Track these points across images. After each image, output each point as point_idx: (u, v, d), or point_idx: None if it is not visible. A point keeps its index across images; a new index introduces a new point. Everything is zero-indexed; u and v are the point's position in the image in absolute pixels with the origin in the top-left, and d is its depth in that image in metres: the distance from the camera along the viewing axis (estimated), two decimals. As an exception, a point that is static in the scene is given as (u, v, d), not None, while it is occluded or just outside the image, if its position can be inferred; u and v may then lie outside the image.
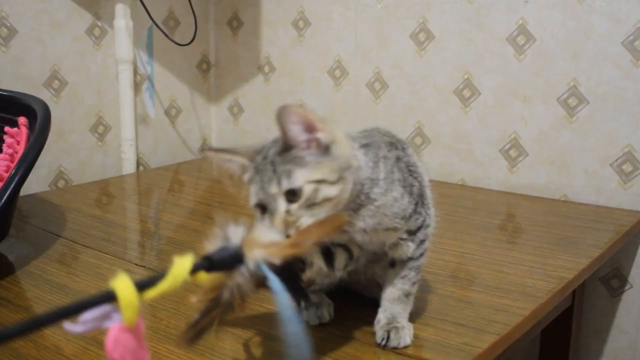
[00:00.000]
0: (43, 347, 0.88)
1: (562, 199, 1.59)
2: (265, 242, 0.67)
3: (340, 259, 0.86)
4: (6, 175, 1.13)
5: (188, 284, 0.62)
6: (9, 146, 1.21)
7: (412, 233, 0.88)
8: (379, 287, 0.91)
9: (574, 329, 1.45)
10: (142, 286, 0.57)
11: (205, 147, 0.85)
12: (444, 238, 1.30)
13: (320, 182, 0.73)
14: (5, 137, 1.23)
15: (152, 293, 0.58)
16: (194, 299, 0.68)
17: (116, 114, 1.87)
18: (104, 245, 1.27)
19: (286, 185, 0.73)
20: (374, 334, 0.88)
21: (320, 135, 0.74)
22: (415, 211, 0.86)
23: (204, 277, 0.64)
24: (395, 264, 0.89)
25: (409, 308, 0.90)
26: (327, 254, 0.85)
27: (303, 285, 0.81)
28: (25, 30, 1.66)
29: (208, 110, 2.19)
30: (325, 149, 0.75)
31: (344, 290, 1.00)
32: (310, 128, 0.74)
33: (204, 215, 1.53)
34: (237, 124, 2.15)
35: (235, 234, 0.67)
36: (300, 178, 0.73)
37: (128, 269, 1.15)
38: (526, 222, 1.48)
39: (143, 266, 1.17)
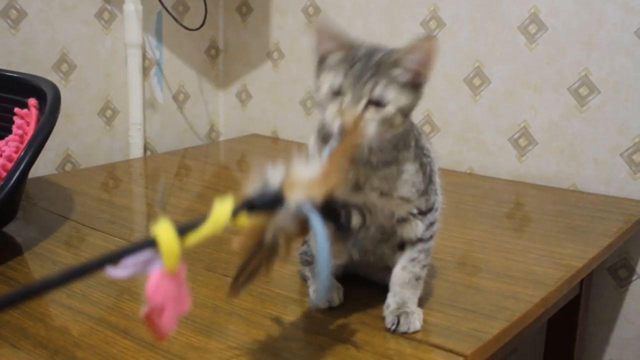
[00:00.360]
0: (52, 327, 0.88)
1: (571, 188, 1.58)
2: (305, 181, 0.66)
3: (356, 217, 0.87)
4: (16, 156, 1.13)
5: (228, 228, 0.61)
6: (18, 127, 1.20)
7: (422, 213, 0.89)
8: (388, 271, 0.91)
9: (581, 319, 1.45)
10: (183, 231, 0.57)
11: (316, 21, 0.93)
12: (452, 225, 1.30)
13: (399, 109, 0.79)
14: (15, 118, 1.23)
15: (193, 238, 0.58)
16: (236, 243, 0.67)
17: (124, 98, 1.87)
18: (111, 227, 1.27)
19: (377, 93, 0.78)
20: (383, 318, 0.88)
21: (425, 74, 0.80)
22: (426, 191, 0.88)
23: (244, 220, 0.63)
24: (404, 246, 0.89)
25: (418, 292, 0.90)
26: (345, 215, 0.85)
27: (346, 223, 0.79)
28: (34, 13, 1.65)
29: (216, 96, 2.18)
30: (418, 86, 0.80)
31: (353, 275, 1.00)
32: (425, 64, 0.79)
33: (211, 199, 1.52)
34: (245, 110, 2.14)
35: (274, 177, 0.66)
36: (391, 95, 0.78)
37: (136, 251, 1.15)
38: (535, 211, 1.48)
39: (151, 249, 1.17)
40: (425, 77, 0.80)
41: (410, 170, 0.85)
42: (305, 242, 1.00)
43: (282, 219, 0.65)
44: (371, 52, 0.80)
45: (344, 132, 0.76)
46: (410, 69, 0.79)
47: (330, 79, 0.80)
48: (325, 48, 0.82)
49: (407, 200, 0.86)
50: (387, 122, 0.78)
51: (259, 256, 0.69)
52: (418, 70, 0.79)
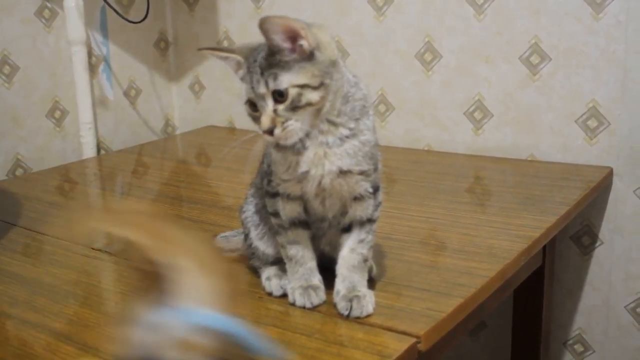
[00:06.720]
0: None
1: (529, 158, 1.57)
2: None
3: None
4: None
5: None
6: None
7: (375, 190, 0.87)
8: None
9: (547, 288, 1.44)
10: None
11: (201, 47, 0.92)
12: (410, 204, 1.28)
13: (303, 86, 0.78)
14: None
15: None
16: None
17: (73, 97, 1.82)
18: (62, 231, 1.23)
19: (272, 86, 0.78)
20: (334, 305, 0.85)
21: (303, 42, 0.78)
22: (375, 169, 0.86)
23: None
24: (351, 229, 0.87)
25: (366, 275, 0.88)
26: None
27: None
28: (-30, 15, 1.60)
29: (169, 90, 2.13)
30: (309, 55, 0.78)
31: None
32: (293, 36, 0.78)
33: (171, 197, 1.50)
34: (199, 102, 2.10)
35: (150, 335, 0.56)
36: (285, 81, 0.77)
37: (85, 253, 1.11)
38: (494, 184, 1.46)
39: (99, 250, 1.13)
40: (302, 44, 0.78)
41: (371, 141, 0.84)
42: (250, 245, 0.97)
43: None
44: (257, 54, 0.80)
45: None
46: (281, 48, 0.78)
47: (242, 94, 0.82)
48: (232, 66, 0.84)
49: (367, 174, 0.85)
50: (304, 101, 0.78)
51: None
52: (289, 45, 0.78)
